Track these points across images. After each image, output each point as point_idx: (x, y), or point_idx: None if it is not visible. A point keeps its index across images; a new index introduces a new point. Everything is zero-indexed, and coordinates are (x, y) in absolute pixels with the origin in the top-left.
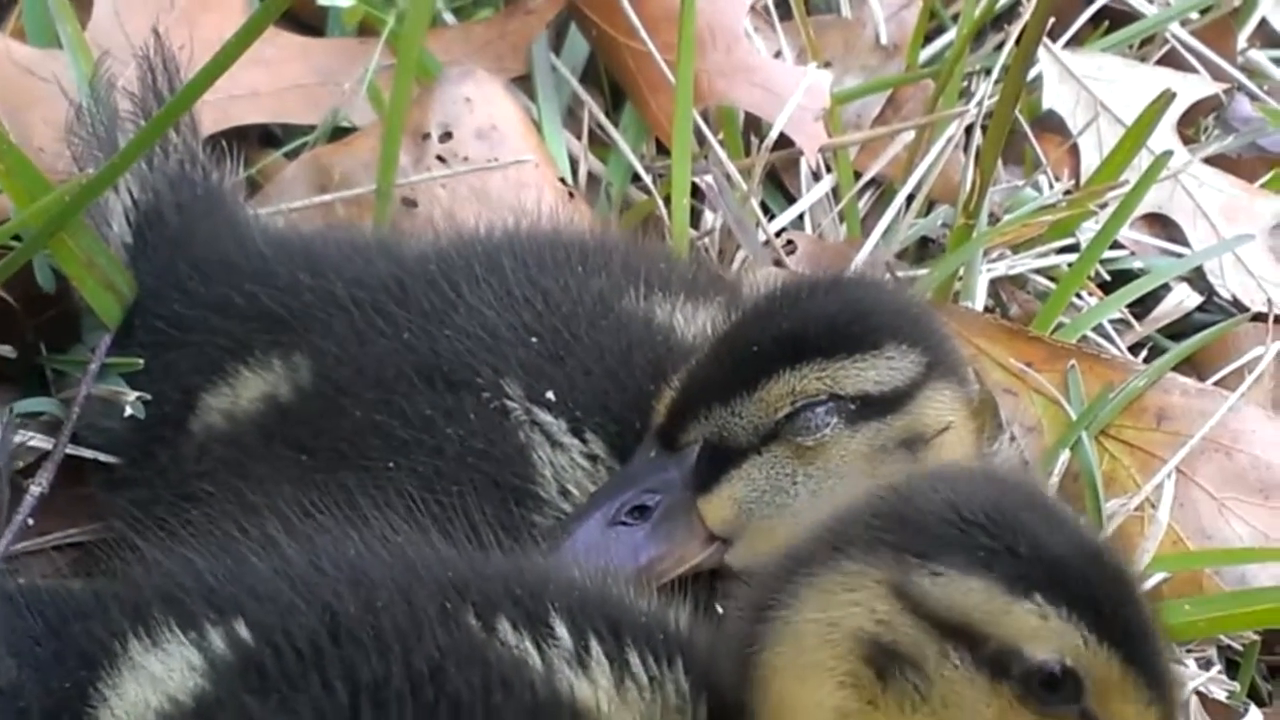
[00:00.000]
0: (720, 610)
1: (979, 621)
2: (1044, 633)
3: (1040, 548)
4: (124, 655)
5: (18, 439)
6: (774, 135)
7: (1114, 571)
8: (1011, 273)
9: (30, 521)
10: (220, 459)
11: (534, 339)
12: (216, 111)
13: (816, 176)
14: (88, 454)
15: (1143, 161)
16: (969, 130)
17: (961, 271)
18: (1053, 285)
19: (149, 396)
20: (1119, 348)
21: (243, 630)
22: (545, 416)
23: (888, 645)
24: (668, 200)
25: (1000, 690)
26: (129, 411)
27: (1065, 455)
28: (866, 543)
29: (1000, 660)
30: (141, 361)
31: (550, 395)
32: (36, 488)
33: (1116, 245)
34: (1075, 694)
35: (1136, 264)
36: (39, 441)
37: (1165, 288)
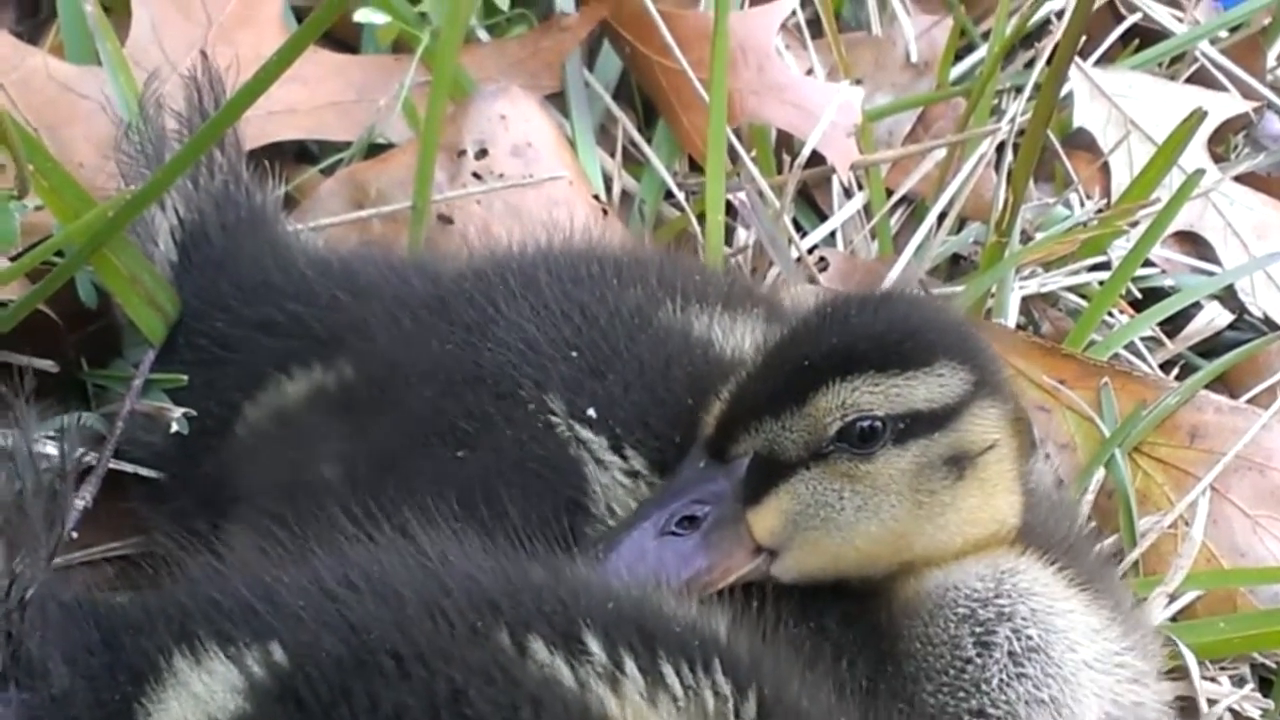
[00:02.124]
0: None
1: None
2: None
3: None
4: (168, 671)
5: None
6: (806, 153)
7: None
8: (1043, 290)
9: (74, 535)
10: (266, 448)
11: (574, 353)
12: (253, 128)
13: (848, 194)
14: (129, 468)
15: (1173, 179)
16: (1000, 148)
17: (994, 289)
18: (1084, 303)
19: (194, 412)
20: (1150, 365)
21: (277, 653)
22: (587, 434)
23: None
24: (700, 217)
25: None
26: (175, 428)
27: (1099, 473)
28: None
29: None
30: (186, 378)
31: (591, 412)
32: (80, 501)
33: (1148, 263)
34: None
35: (1168, 282)
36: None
37: (1196, 306)
